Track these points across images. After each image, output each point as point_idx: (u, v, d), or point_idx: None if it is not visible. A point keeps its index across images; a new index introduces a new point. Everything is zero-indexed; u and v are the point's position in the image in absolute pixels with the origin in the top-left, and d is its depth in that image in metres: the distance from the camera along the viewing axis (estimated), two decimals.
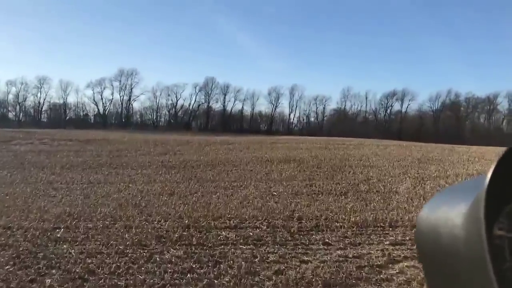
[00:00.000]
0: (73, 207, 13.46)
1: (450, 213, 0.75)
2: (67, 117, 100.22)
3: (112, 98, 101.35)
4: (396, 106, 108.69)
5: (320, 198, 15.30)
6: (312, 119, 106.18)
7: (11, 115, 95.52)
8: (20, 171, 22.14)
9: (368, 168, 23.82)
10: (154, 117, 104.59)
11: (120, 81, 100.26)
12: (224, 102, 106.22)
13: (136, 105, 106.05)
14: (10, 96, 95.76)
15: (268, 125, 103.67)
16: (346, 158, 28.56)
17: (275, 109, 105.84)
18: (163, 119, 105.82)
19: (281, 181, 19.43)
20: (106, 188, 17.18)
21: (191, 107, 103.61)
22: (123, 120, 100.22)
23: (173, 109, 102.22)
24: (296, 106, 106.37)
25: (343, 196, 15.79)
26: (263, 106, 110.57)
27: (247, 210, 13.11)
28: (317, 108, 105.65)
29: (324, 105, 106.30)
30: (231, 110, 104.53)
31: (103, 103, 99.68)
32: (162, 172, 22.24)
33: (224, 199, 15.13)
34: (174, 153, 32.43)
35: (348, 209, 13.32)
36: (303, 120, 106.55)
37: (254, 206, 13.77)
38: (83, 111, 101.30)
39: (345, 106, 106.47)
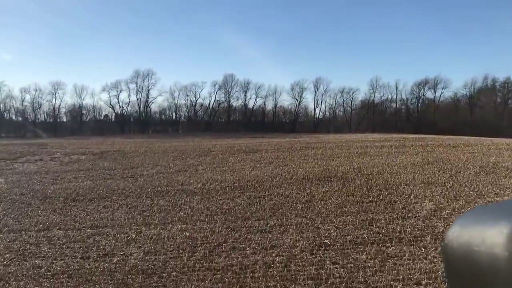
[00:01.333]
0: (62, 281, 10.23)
1: (488, 232, 0.75)
2: (85, 119, 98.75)
3: (129, 101, 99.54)
4: (429, 96, 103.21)
5: (392, 252, 11.63)
6: (340, 112, 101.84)
7: (27, 123, 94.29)
8: (14, 207, 19.19)
9: (431, 186, 19.92)
10: (174, 118, 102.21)
11: (137, 82, 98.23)
12: (245, 100, 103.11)
13: (154, 107, 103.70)
14: (25, 104, 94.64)
15: (292, 122, 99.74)
16: (396, 171, 24.66)
17: (299, 104, 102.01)
18: (182, 119, 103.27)
19: (328, 215, 15.82)
20: (111, 239, 13.92)
21: (210, 106, 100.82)
22: (142, 124, 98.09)
23: (193, 109, 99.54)
24: (322, 100, 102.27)
25: (420, 245, 12.07)
26: (286, 102, 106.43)
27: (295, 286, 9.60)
28: (343, 101, 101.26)
29: (352, 98, 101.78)
30: (252, 108, 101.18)
31: (120, 106, 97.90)
32: (182, 203, 18.92)
33: (261, 256, 11.65)
34: (196, 169, 29.14)
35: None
36: (330, 114, 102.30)
37: (304, 273, 10.26)
38: (99, 114, 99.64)
39: (374, 97, 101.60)
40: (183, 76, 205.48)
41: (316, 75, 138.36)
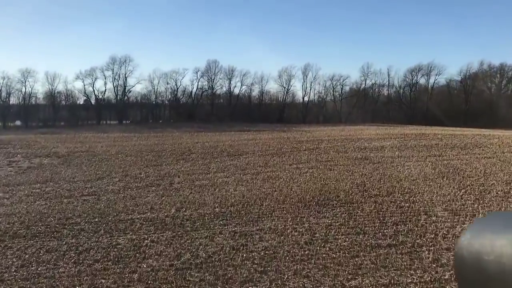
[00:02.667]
0: None
1: (497, 241, 0.75)
2: (60, 106, 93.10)
3: (106, 89, 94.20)
4: (422, 83, 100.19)
5: None
6: (330, 100, 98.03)
7: None
8: None
9: (459, 217, 16.34)
10: (153, 106, 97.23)
11: (113, 70, 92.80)
12: (230, 88, 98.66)
13: (133, 95, 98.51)
14: None
15: (280, 111, 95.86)
16: (407, 189, 21.11)
17: (286, 92, 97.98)
18: (163, 109, 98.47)
19: (338, 273, 12.17)
20: None
21: (193, 95, 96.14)
22: (120, 113, 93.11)
23: (174, 98, 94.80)
24: (310, 88, 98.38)
25: None
26: (273, 91, 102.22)
27: None
28: (333, 89, 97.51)
29: (342, 85, 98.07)
30: (238, 96, 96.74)
31: (95, 95, 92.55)
32: (147, 244, 15.08)
33: None
34: (170, 183, 25.23)
35: None
36: (319, 103, 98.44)
37: None
38: (74, 101, 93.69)
39: (365, 84, 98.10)
40: (163, 63, 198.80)
41: (305, 62, 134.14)
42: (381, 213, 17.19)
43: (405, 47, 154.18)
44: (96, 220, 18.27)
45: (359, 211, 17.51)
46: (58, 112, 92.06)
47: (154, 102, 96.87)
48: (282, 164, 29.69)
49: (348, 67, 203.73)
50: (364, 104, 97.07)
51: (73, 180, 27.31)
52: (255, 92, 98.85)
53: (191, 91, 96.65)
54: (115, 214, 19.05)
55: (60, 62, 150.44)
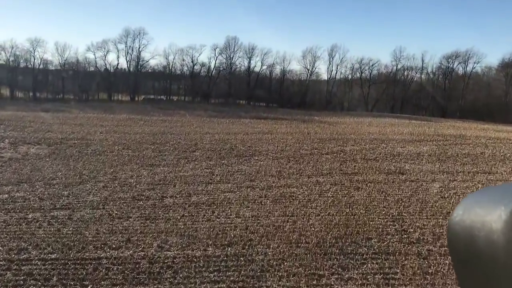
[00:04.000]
0: None
1: (487, 217, 0.78)
2: (69, 84, 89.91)
3: (118, 63, 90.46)
4: (459, 71, 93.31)
5: None
6: (357, 85, 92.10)
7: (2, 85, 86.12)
8: None
9: None
10: (167, 85, 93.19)
11: (126, 43, 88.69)
12: (249, 67, 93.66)
13: (146, 71, 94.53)
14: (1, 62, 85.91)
15: (302, 95, 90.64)
16: None
17: (310, 75, 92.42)
18: (177, 87, 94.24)
19: None
20: None
21: (210, 73, 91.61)
22: (131, 90, 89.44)
23: (190, 75, 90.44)
24: (336, 71, 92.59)
25: None
26: (296, 72, 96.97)
27: None
28: (361, 73, 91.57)
29: (371, 70, 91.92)
30: (257, 77, 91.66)
31: (107, 69, 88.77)
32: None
33: None
34: (162, 197, 21.22)
35: None
36: (345, 88, 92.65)
37: None
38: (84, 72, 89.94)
39: (396, 70, 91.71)
40: (179, 38, 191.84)
41: (332, 43, 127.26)
42: (428, 276, 12.86)
43: (442, 31, 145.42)
44: (53, 257, 14.44)
45: (398, 271, 13.21)
46: (67, 85, 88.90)
47: (168, 79, 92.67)
48: (299, 174, 25.37)
49: (379, 50, 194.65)
50: (393, 91, 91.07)
51: (52, 182, 23.58)
52: (277, 73, 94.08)
53: (208, 68, 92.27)
54: (81, 247, 15.17)
55: (71, 32, 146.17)
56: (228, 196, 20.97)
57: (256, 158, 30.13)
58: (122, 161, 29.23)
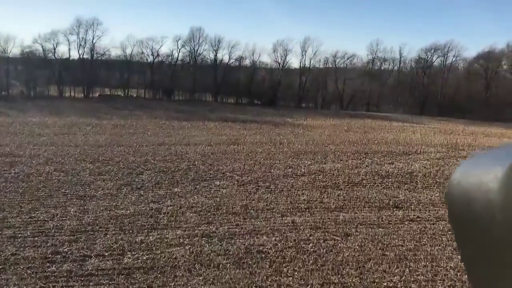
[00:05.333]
0: None
1: (484, 178, 0.78)
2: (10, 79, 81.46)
3: (69, 57, 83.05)
4: (438, 65, 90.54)
5: None
6: (331, 81, 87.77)
7: None
8: None
9: None
10: (125, 79, 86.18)
11: (78, 34, 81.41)
12: (215, 60, 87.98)
13: (101, 65, 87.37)
14: None
15: (273, 91, 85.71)
16: None
17: (281, 69, 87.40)
18: (137, 79, 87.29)
19: None
20: None
21: (172, 67, 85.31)
22: (86, 84, 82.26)
23: (150, 70, 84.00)
24: (310, 66, 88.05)
25: None
26: (267, 66, 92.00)
27: None
28: (336, 68, 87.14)
29: (347, 64, 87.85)
30: (224, 72, 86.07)
31: (56, 64, 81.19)
32: None
33: None
34: (80, 259, 15.96)
35: None
36: (318, 83, 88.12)
37: None
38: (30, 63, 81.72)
39: (372, 64, 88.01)
40: (138, 28, 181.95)
41: (305, 35, 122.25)
42: None
43: (421, 23, 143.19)
44: None
45: None
46: (9, 80, 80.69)
47: (126, 71, 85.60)
48: (270, 210, 20.52)
49: (354, 44, 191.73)
50: (369, 87, 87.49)
51: None
52: (246, 66, 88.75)
53: (170, 62, 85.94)
54: None
55: (13, 22, 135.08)
56: (174, 254, 15.88)
57: (218, 183, 25.11)
58: (49, 189, 23.69)
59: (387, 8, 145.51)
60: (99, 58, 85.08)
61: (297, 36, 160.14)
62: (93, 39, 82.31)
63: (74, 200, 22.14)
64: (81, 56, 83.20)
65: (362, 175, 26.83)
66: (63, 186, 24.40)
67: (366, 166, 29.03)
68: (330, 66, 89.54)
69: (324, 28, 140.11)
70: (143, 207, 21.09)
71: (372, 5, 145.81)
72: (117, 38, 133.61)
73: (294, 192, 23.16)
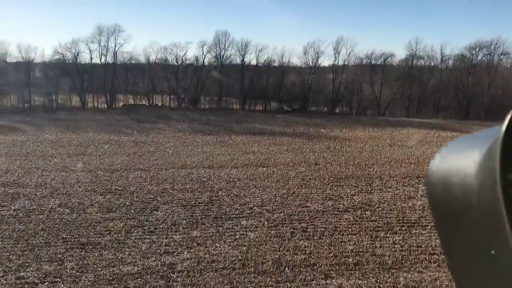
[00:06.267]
0: None
1: (462, 162, 0.81)
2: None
3: (91, 65, 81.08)
4: (484, 64, 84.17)
5: None
6: (367, 84, 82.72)
7: None
8: None
9: None
10: (149, 88, 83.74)
11: (100, 42, 79.40)
12: (242, 65, 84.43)
13: (124, 73, 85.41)
14: None
15: (304, 97, 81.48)
16: None
17: (313, 72, 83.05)
18: (160, 91, 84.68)
19: None
20: None
21: (198, 73, 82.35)
22: (107, 97, 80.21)
23: (174, 77, 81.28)
24: (343, 68, 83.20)
25: None
26: (297, 69, 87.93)
27: None
28: (372, 69, 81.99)
29: (383, 65, 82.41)
30: (252, 76, 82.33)
31: (78, 73, 79.38)
32: None
33: None
34: None
35: None
36: (353, 87, 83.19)
37: None
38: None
39: (412, 65, 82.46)
40: (161, 35, 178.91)
41: (337, 35, 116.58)
42: None
43: (465, 19, 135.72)
44: None
45: None
46: (30, 92, 79.28)
47: (151, 84, 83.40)
48: (310, 268, 16.63)
49: (391, 44, 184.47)
50: (409, 90, 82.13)
51: None
52: (274, 70, 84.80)
53: (196, 68, 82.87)
54: None
55: (35, 31, 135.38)
56: None
57: (245, 223, 21.39)
58: (47, 234, 20.56)
59: (421, 6, 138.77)
60: (122, 65, 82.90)
61: (329, 37, 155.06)
62: (115, 46, 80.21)
63: (74, 250, 18.88)
64: (103, 65, 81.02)
65: (419, 210, 22.59)
66: (65, 228, 21.22)
67: (422, 196, 24.72)
68: (365, 67, 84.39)
69: (359, 28, 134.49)
70: (154, 261, 17.57)
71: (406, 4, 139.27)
72: (140, 45, 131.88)
73: (338, 238, 19.19)
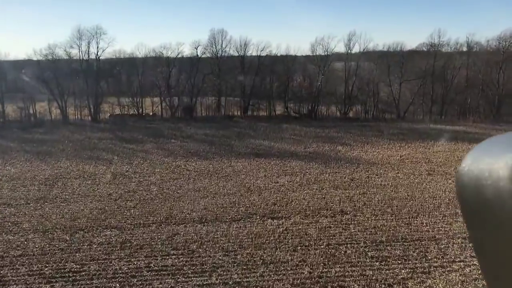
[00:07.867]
0: None
1: (495, 165, 0.81)
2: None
3: (71, 73, 73.68)
4: None
5: None
6: (383, 83, 74.97)
7: None
8: None
9: None
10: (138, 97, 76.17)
11: (80, 46, 72.19)
12: (243, 66, 76.80)
13: (109, 80, 78.18)
14: None
15: (312, 100, 73.75)
16: None
17: (323, 73, 75.28)
18: (150, 99, 77.27)
19: None
20: None
21: (193, 78, 74.70)
22: (92, 109, 72.81)
23: (165, 85, 73.68)
24: (357, 66, 75.40)
25: None
26: (303, 67, 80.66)
27: None
28: (389, 67, 74.12)
29: (402, 62, 74.42)
30: (254, 81, 74.62)
31: (57, 82, 71.77)
32: None
33: None
34: None
35: None
36: (368, 87, 75.24)
37: None
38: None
39: (434, 61, 74.56)
40: (148, 35, 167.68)
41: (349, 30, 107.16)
42: None
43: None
44: None
45: None
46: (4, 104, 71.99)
47: (138, 87, 75.72)
48: None
49: (411, 35, 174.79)
50: (432, 89, 74.35)
51: None
52: (280, 71, 77.26)
53: (190, 71, 75.26)
54: None
55: (5, 36, 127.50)
56: None
57: None
58: None
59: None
60: (106, 71, 75.64)
61: (339, 32, 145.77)
62: (97, 51, 72.93)
63: None
64: (84, 73, 73.80)
65: None
66: None
67: None
68: (382, 65, 76.68)
69: (374, 20, 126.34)
70: None
71: None
72: (125, 48, 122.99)
73: None
